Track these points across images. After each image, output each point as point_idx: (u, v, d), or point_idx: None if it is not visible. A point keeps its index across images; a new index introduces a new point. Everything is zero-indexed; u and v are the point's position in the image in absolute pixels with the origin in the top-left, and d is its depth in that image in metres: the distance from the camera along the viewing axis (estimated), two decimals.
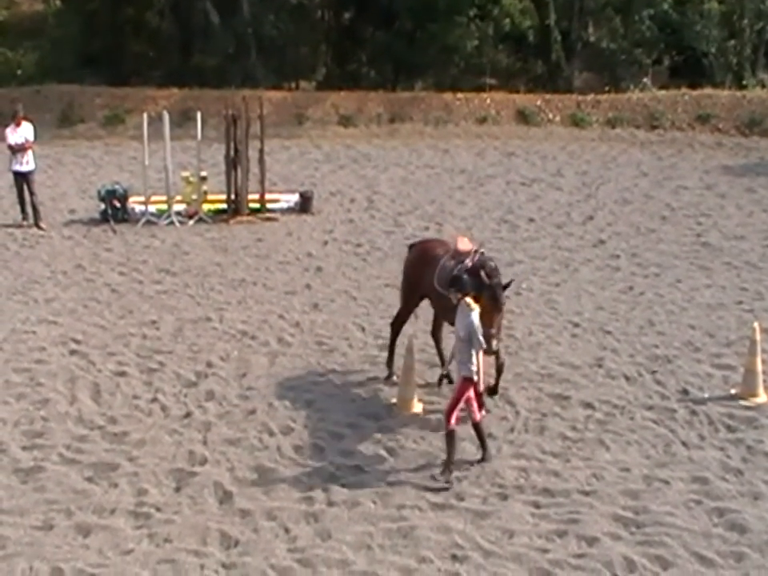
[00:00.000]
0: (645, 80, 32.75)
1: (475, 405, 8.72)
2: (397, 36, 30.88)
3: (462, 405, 8.56)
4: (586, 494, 8.20)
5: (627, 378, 10.67)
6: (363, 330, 12.13)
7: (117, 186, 17.72)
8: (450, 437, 8.49)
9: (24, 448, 9.00)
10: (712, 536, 7.51)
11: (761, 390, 10.03)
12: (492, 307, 9.14)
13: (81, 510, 7.92)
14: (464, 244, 10.03)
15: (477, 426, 8.77)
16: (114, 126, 26.52)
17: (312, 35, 33.49)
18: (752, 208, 18.94)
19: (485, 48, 33.03)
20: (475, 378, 8.58)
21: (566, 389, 10.38)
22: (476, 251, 9.86)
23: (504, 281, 9.48)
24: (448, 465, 8.45)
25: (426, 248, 10.58)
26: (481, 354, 8.65)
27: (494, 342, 9.17)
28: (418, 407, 9.86)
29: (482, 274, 9.25)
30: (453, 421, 8.46)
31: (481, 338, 8.56)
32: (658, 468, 8.63)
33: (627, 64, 32.48)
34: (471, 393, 8.62)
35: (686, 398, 10.13)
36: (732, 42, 31.82)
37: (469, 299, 8.66)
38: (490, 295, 9.16)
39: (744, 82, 30.79)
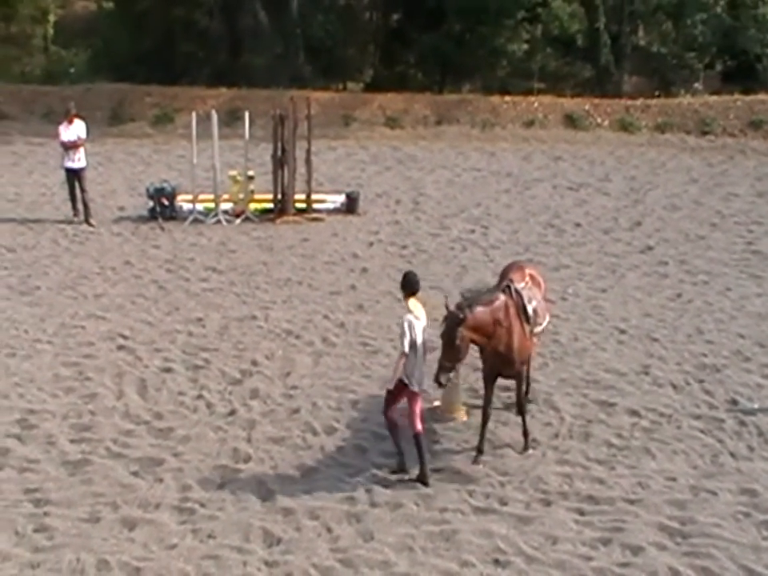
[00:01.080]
0: (696, 85, 32.36)
1: (417, 417, 8.48)
2: (445, 38, 30.82)
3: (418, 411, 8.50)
4: (631, 502, 8.10)
5: (674, 387, 10.53)
6: None
7: (165, 184, 17.91)
8: (417, 439, 8.42)
9: (72, 441, 9.13)
10: (761, 549, 7.38)
11: None
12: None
13: (126, 503, 8.02)
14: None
15: (417, 437, 8.46)
16: (163, 125, 26.82)
17: (360, 36, 33.59)
18: None
19: (533, 51, 32.87)
20: (413, 387, 8.36)
21: (612, 395, 10.27)
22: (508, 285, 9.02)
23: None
24: (423, 469, 8.41)
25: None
26: (403, 359, 8.31)
27: (443, 376, 8.30)
28: (461, 410, 9.82)
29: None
30: (418, 426, 8.42)
31: (404, 343, 8.25)
32: (706, 478, 8.50)
33: (678, 68, 32.09)
34: (417, 404, 8.48)
35: (735, 408, 9.98)
36: None
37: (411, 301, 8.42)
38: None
39: None
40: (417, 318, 8.39)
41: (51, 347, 11.50)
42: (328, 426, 9.51)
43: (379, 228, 17.33)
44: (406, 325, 8.30)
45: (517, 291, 8.91)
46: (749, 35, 30.68)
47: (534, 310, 8.97)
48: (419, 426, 8.48)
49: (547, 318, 9.50)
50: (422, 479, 8.44)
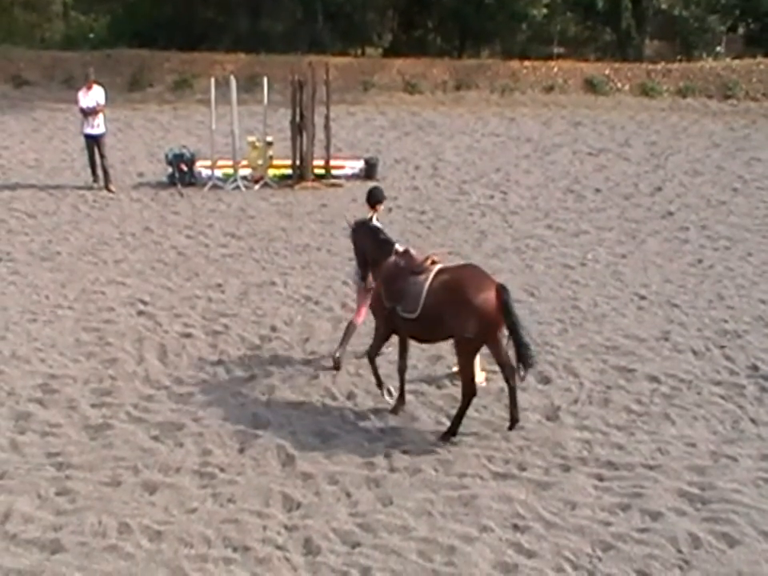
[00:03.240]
0: (718, 48, 31.95)
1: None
2: (464, 2, 30.52)
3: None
4: (651, 468, 8.08)
5: (695, 353, 10.47)
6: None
7: (184, 150, 17.91)
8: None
9: (93, 405, 9.19)
10: None
11: None
12: None
13: (147, 467, 8.07)
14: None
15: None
16: (182, 91, 26.80)
17: (379, 1, 33.29)
18: None
19: (553, 16, 32.48)
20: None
21: (632, 362, 10.23)
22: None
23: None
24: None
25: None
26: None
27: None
28: (480, 376, 9.80)
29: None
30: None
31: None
32: (726, 444, 8.47)
33: (700, 32, 31.70)
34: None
35: (756, 374, 9.91)
36: None
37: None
38: None
39: None
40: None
41: (72, 312, 11.57)
42: (347, 391, 9.53)
43: (398, 194, 17.26)
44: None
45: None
46: None
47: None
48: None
49: None
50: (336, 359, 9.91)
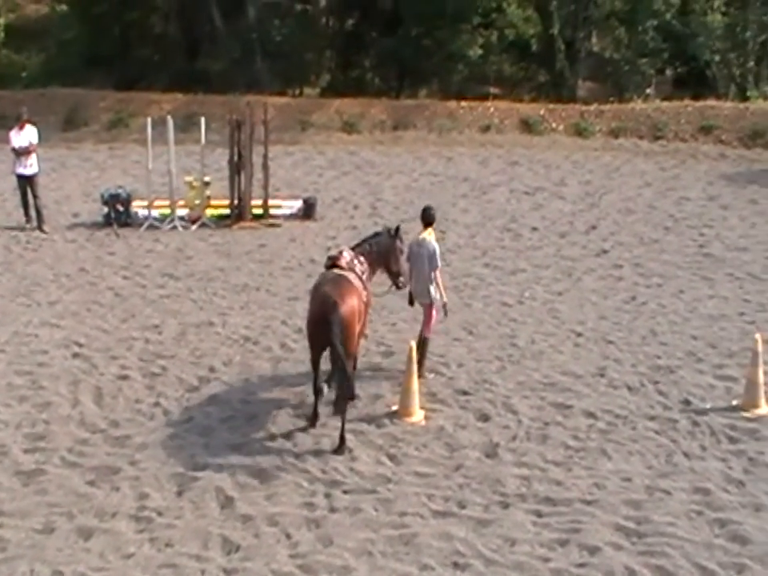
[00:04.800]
0: (648, 90, 32.85)
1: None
2: (401, 42, 30.93)
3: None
4: (588, 503, 8.19)
5: (630, 388, 10.66)
6: (366, 336, 12.12)
7: (120, 190, 17.76)
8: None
9: (26, 451, 9.00)
10: (714, 547, 7.49)
11: (762, 401, 10.02)
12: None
13: (82, 513, 7.92)
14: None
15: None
16: (118, 130, 26.58)
17: (317, 41, 33.58)
18: (755, 219, 18.95)
19: (489, 56, 33.11)
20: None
21: (569, 398, 10.37)
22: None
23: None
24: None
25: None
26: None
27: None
28: (419, 414, 9.86)
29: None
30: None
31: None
32: (660, 478, 8.62)
33: (631, 74, 32.53)
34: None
35: (688, 408, 10.13)
36: (735, 53, 31.88)
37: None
38: None
39: (747, 94, 30.86)
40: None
41: (4, 356, 11.33)
42: (287, 431, 9.48)
43: (337, 233, 17.32)
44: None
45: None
46: (698, 42, 31.19)
47: None
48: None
49: None
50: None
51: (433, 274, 10.65)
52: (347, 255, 9.95)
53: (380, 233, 10.77)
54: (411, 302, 11.06)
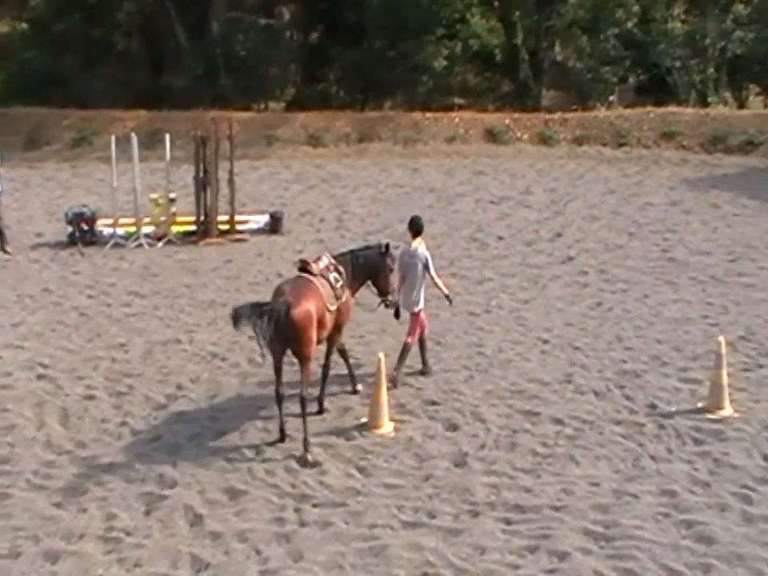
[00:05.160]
0: (611, 98, 33.21)
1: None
2: (366, 55, 31.05)
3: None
4: (557, 509, 8.22)
5: (596, 394, 10.74)
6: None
7: (85, 209, 17.65)
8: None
9: None
10: (680, 548, 7.56)
11: (726, 402, 10.14)
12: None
13: (49, 536, 7.83)
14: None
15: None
16: (81, 148, 26.45)
17: (281, 55, 33.64)
18: (716, 223, 19.22)
19: (453, 67, 33.31)
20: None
21: (536, 405, 10.43)
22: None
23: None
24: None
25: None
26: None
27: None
28: (388, 426, 9.86)
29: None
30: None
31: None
32: (628, 482, 8.68)
33: (594, 82, 32.90)
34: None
35: (654, 412, 10.22)
36: (695, 60, 32.32)
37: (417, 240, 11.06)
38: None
39: (708, 100, 31.31)
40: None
41: None
42: (255, 447, 9.45)
43: (303, 247, 17.32)
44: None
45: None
46: (659, 49, 31.61)
47: None
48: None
49: None
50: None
51: (423, 283, 11.04)
52: (325, 261, 9.99)
53: (371, 246, 10.87)
54: (397, 315, 10.92)
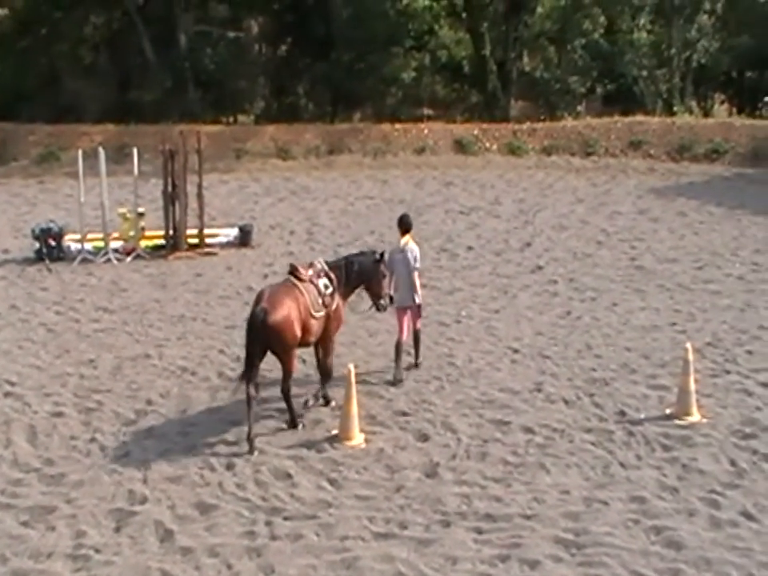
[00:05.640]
0: (579, 108, 33.54)
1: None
2: (334, 67, 31.16)
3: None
4: (528, 517, 8.25)
5: (566, 402, 10.79)
6: (304, 362, 12.11)
7: (52, 224, 17.52)
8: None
9: None
10: (650, 554, 7.61)
11: (694, 409, 10.24)
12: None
13: (16, 555, 7.73)
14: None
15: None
16: (48, 164, 26.29)
17: (249, 68, 33.65)
18: (683, 231, 19.43)
19: (422, 78, 33.50)
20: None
21: (507, 414, 10.46)
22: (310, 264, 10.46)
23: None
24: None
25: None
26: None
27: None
28: (359, 438, 9.86)
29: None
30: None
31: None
32: (598, 489, 8.73)
33: (562, 93, 33.24)
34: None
35: (623, 419, 10.28)
36: (662, 70, 32.72)
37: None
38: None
39: (674, 109, 31.68)
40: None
41: None
42: (226, 461, 9.39)
43: (273, 260, 17.31)
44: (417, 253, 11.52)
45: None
46: (626, 59, 31.97)
47: None
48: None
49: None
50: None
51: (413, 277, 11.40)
52: (317, 267, 10.28)
53: (365, 252, 11.25)
54: (381, 309, 11.22)
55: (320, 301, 10.01)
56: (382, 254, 11.06)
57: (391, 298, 11.28)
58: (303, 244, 18.51)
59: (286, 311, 9.57)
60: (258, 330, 9.44)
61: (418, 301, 11.52)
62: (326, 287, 10.14)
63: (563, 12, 33.55)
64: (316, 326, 10.00)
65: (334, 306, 10.28)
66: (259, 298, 9.71)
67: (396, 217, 20.32)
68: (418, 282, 11.53)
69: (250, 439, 9.58)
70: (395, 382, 11.28)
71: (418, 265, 11.52)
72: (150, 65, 31.65)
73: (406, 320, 11.49)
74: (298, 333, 9.73)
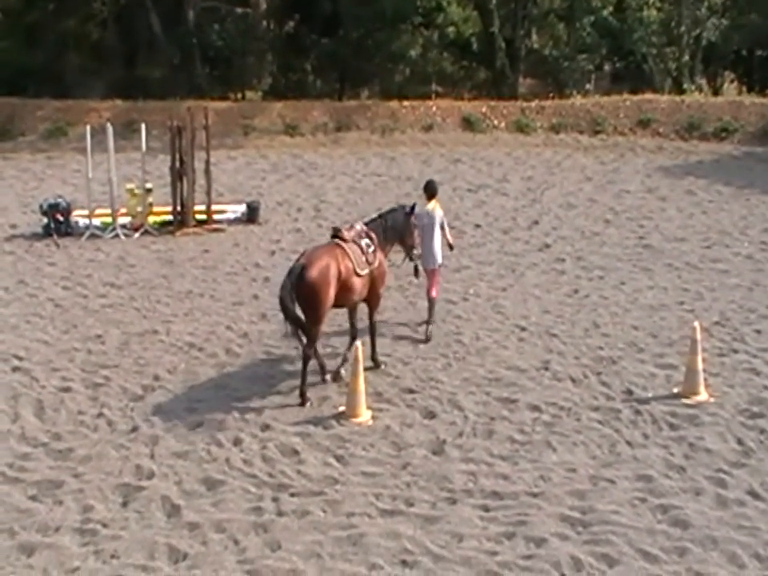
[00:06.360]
0: (587, 86, 33.32)
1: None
2: (342, 44, 30.99)
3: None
4: (534, 495, 8.26)
5: (573, 380, 10.79)
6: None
7: (60, 200, 17.50)
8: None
9: None
10: (656, 532, 7.61)
11: (701, 388, 10.22)
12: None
13: (24, 529, 7.77)
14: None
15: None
16: (56, 139, 26.23)
17: (257, 45, 33.46)
18: (692, 210, 19.33)
19: (430, 55, 33.29)
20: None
21: (514, 392, 10.46)
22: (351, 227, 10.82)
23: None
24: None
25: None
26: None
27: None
28: (366, 415, 9.87)
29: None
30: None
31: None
32: (604, 468, 8.73)
33: (570, 70, 33.00)
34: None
35: (630, 398, 10.28)
36: (671, 48, 32.46)
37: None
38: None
39: (683, 87, 31.46)
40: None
41: None
42: (233, 437, 9.41)
43: (281, 236, 17.28)
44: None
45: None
46: (635, 37, 31.70)
47: None
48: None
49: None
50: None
51: (440, 240, 12.10)
52: (357, 228, 10.68)
53: (395, 209, 11.51)
54: (417, 274, 11.80)
55: (364, 259, 10.41)
56: (413, 207, 11.36)
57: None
58: (310, 221, 18.47)
59: (325, 269, 9.90)
60: (293, 285, 9.80)
61: (439, 261, 12.12)
62: (368, 246, 10.57)
63: None
64: (359, 284, 10.39)
65: (376, 264, 10.67)
66: (301, 256, 10.17)
67: (404, 193, 20.52)
68: (450, 238, 12.37)
69: (302, 392, 10.07)
70: (426, 340, 11.92)
71: (446, 228, 12.27)
72: (158, 41, 31.51)
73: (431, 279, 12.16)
74: (332, 294, 9.99)
